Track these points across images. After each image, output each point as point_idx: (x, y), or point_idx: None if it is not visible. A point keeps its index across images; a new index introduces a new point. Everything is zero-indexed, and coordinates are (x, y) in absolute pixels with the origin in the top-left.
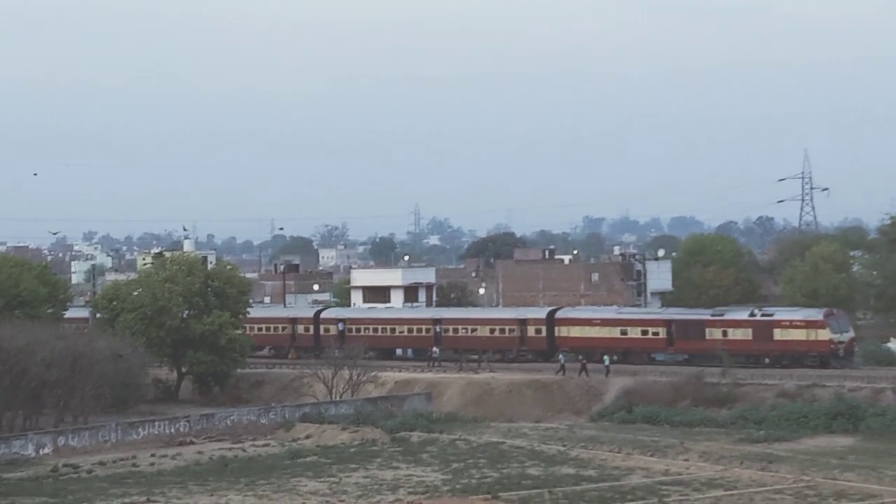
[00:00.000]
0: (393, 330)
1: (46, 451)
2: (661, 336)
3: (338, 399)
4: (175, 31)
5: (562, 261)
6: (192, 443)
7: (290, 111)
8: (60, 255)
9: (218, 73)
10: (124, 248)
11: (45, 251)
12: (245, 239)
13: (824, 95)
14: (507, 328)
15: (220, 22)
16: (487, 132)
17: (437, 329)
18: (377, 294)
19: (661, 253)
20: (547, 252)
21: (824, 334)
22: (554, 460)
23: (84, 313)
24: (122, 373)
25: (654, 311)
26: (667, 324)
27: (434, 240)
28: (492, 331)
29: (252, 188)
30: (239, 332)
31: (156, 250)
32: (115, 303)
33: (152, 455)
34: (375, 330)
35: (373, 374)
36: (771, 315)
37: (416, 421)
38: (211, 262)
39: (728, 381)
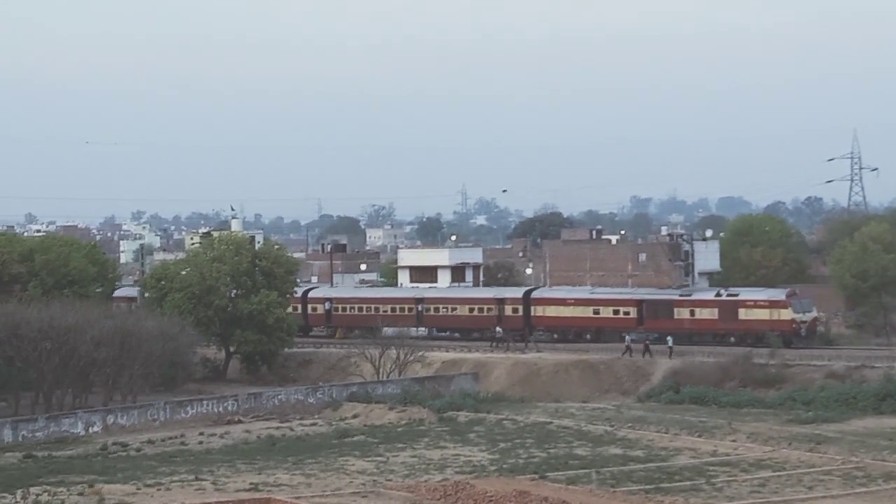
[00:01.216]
0: (377, 309)
1: (96, 429)
2: (631, 315)
3: (385, 379)
4: (220, 12)
5: (609, 241)
6: (239, 422)
7: (336, 90)
8: (109, 234)
9: (264, 53)
10: (172, 228)
11: (94, 231)
12: (292, 218)
13: (873, 75)
14: (485, 307)
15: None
16: (536, 112)
17: (420, 308)
18: (424, 274)
19: (708, 233)
20: (594, 232)
21: (787, 314)
22: (601, 440)
23: (133, 292)
24: (170, 352)
25: (626, 291)
26: (637, 304)
27: (481, 220)
28: (471, 310)
29: (299, 168)
30: (286, 311)
31: (204, 230)
32: (163, 282)
33: (200, 434)
34: (360, 309)
35: (420, 353)
36: (736, 295)
37: (464, 401)
38: (258, 242)
39: (776, 362)
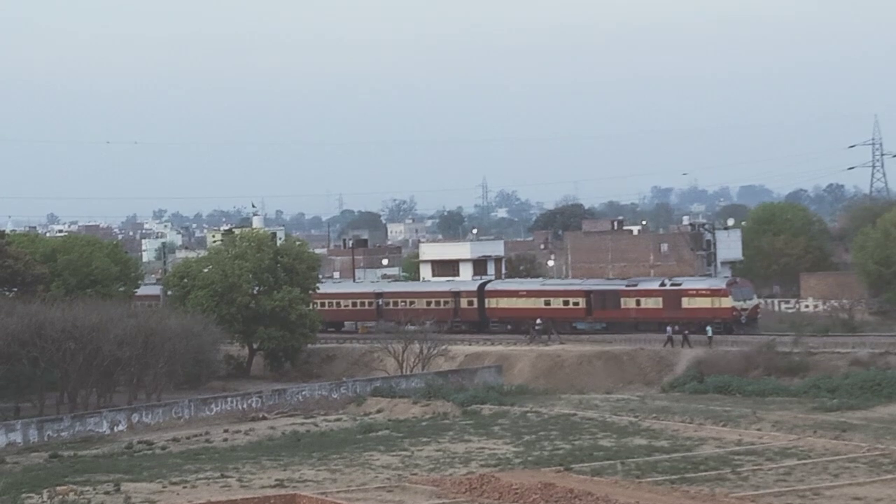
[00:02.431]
0: (339, 304)
1: (121, 427)
2: (581, 306)
3: (408, 373)
4: (239, 9)
5: (630, 231)
6: (264, 418)
7: (355, 86)
8: (131, 233)
9: (284, 50)
10: (194, 226)
11: (116, 230)
12: (314, 214)
13: (895, 60)
14: (442, 301)
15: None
16: (556, 103)
17: (380, 302)
18: (446, 268)
19: (730, 222)
20: (615, 223)
21: (727, 302)
22: (626, 431)
23: (155, 291)
24: (193, 349)
25: (575, 282)
26: (586, 294)
27: (502, 212)
28: (428, 303)
29: (320, 164)
30: (308, 307)
31: (225, 227)
32: (185, 280)
33: (225, 431)
34: (323, 304)
35: (443, 347)
36: (679, 284)
37: (487, 394)
38: (280, 239)
39: (800, 350)
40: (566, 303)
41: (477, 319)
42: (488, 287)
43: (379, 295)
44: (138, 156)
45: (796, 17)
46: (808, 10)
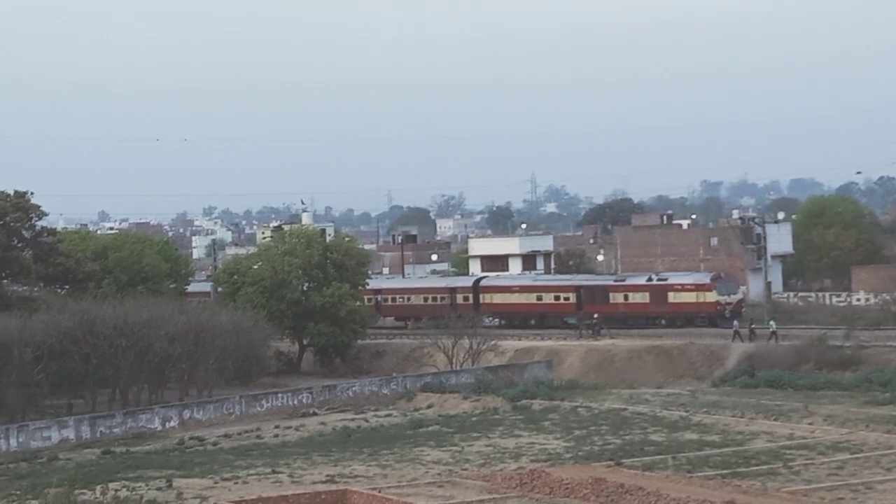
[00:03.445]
0: None
1: (172, 424)
2: (571, 301)
3: (458, 368)
4: (291, 5)
5: (680, 226)
6: (314, 414)
7: (404, 82)
8: (181, 230)
9: (334, 45)
10: (244, 222)
11: (167, 227)
12: (363, 210)
13: None
14: (438, 296)
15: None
16: (604, 97)
17: (379, 298)
18: (495, 263)
19: (780, 216)
20: (665, 217)
21: (712, 296)
22: (676, 426)
23: (206, 287)
24: (244, 346)
25: (565, 277)
26: (576, 289)
27: (551, 207)
28: (425, 299)
29: (369, 160)
30: (358, 303)
31: (275, 224)
32: (235, 277)
33: (276, 427)
34: None
35: (493, 342)
36: (665, 279)
37: (537, 389)
38: (329, 235)
39: (852, 344)
40: (557, 298)
41: (472, 314)
42: (483, 283)
43: (378, 291)
44: (188, 153)
45: (845, 6)
46: (860, 2)
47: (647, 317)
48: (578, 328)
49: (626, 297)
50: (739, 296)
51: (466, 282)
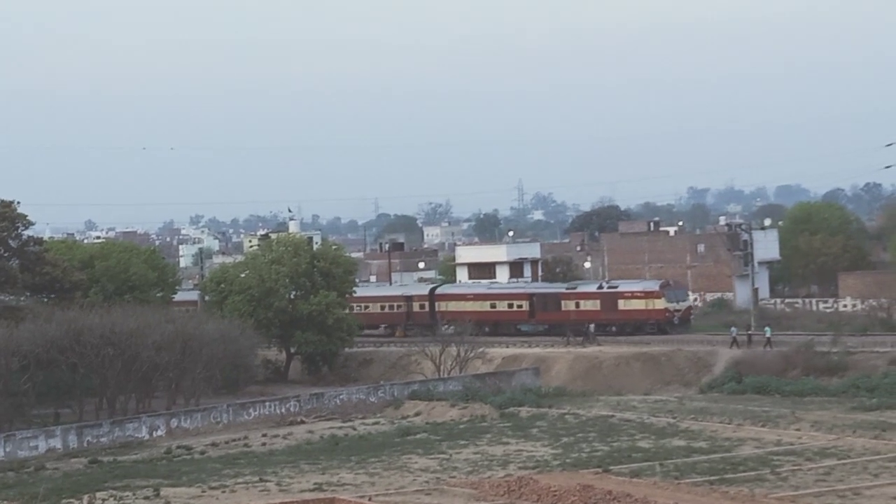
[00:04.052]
0: None
1: (159, 433)
2: (524, 308)
3: (446, 376)
4: (273, 15)
5: (667, 232)
6: (302, 422)
7: (391, 89)
8: (168, 239)
9: (319, 54)
10: (231, 231)
11: (153, 236)
12: (350, 218)
13: None
14: (395, 304)
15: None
16: (591, 105)
17: None
18: (483, 270)
19: (767, 222)
20: (652, 224)
21: (660, 303)
22: (664, 433)
23: (193, 296)
24: (231, 354)
25: (519, 285)
26: (529, 297)
27: (538, 215)
28: (382, 307)
29: (356, 168)
30: (345, 311)
31: (262, 232)
32: (222, 285)
33: (264, 435)
34: None
35: (480, 350)
36: (616, 287)
37: (525, 396)
38: (316, 243)
39: (839, 350)
40: (510, 305)
41: (428, 322)
42: (438, 291)
43: None
44: (175, 162)
45: (831, 13)
46: (844, 6)
47: (597, 324)
48: (566, 336)
49: (577, 305)
50: (688, 303)
51: (422, 290)
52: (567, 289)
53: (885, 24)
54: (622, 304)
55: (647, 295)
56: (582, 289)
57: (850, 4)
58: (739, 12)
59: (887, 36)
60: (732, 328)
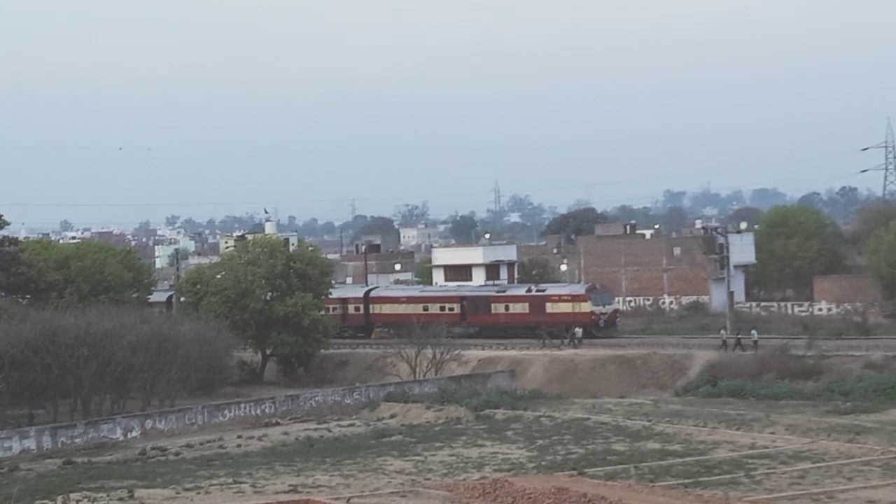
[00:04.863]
0: None
1: (134, 434)
2: (456, 311)
3: (422, 378)
4: (250, 15)
5: (643, 235)
6: (277, 424)
7: (368, 91)
8: (144, 239)
9: (296, 55)
10: (207, 232)
11: (129, 236)
12: (326, 220)
13: None
14: (331, 307)
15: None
16: (567, 108)
17: None
18: (459, 272)
19: (743, 226)
20: (628, 227)
21: (587, 307)
22: (639, 436)
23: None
24: (207, 356)
25: (451, 288)
26: (460, 300)
27: (514, 217)
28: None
29: (332, 169)
30: (321, 313)
31: (238, 233)
32: (198, 286)
33: (239, 437)
34: None
35: (456, 352)
36: (544, 291)
37: (501, 398)
38: (293, 244)
39: (814, 354)
40: (443, 308)
41: (363, 324)
42: (373, 294)
43: None
44: (151, 162)
45: (809, 19)
46: (820, 12)
47: (526, 326)
48: (542, 338)
49: (507, 308)
50: (615, 306)
51: (357, 293)
52: (497, 292)
53: (861, 31)
54: (550, 308)
55: (574, 298)
56: (511, 292)
57: (824, 11)
58: (715, 18)
59: (863, 42)
60: (722, 331)
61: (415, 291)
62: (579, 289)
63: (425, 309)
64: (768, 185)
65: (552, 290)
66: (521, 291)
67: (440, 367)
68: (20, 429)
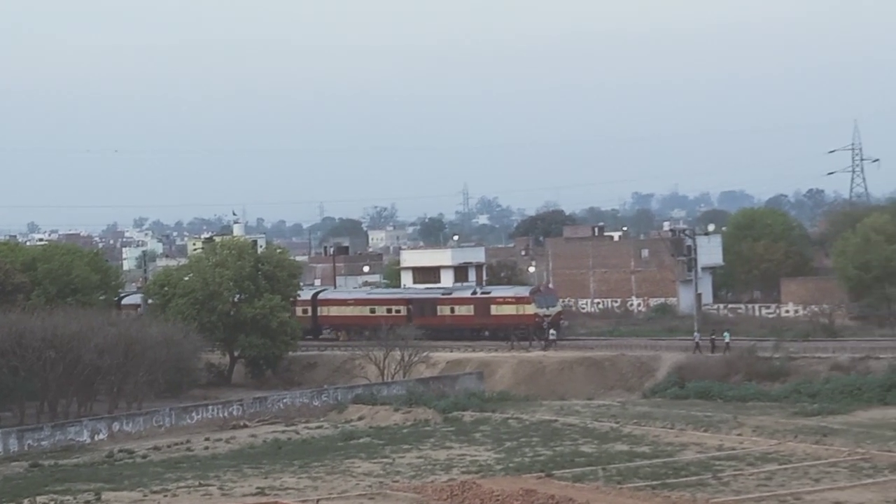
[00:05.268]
0: None
1: (101, 436)
2: (402, 313)
3: (390, 380)
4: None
5: (611, 237)
6: (245, 426)
7: (336, 92)
8: (112, 241)
9: (263, 55)
10: (175, 234)
11: (97, 238)
12: (294, 222)
13: (874, 65)
14: None
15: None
16: (536, 110)
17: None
18: (427, 274)
19: (711, 228)
20: (596, 229)
21: (531, 309)
22: (607, 437)
23: (138, 300)
24: (174, 358)
25: (397, 291)
26: (406, 302)
27: (483, 219)
28: None
29: (301, 171)
30: (289, 315)
31: (206, 235)
32: (166, 288)
33: (206, 439)
34: None
35: (424, 354)
36: (488, 293)
37: (469, 400)
38: (261, 246)
39: (781, 356)
40: (389, 310)
41: (311, 327)
42: (320, 296)
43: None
44: (119, 164)
45: (777, 23)
46: (788, 17)
47: (471, 328)
48: (510, 340)
49: (452, 310)
50: (558, 308)
51: (305, 295)
52: (443, 294)
53: (829, 34)
54: (494, 310)
55: (518, 300)
56: (457, 294)
57: (793, 15)
58: (682, 22)
59: (832, 46)
60: (696, 333)
61: (362, 294)
62: (523, 291)
63: (372, 311)
64: (736, 187)
65: (497, 292)
66: (467, 294)
67: (408, 369)
68: None
